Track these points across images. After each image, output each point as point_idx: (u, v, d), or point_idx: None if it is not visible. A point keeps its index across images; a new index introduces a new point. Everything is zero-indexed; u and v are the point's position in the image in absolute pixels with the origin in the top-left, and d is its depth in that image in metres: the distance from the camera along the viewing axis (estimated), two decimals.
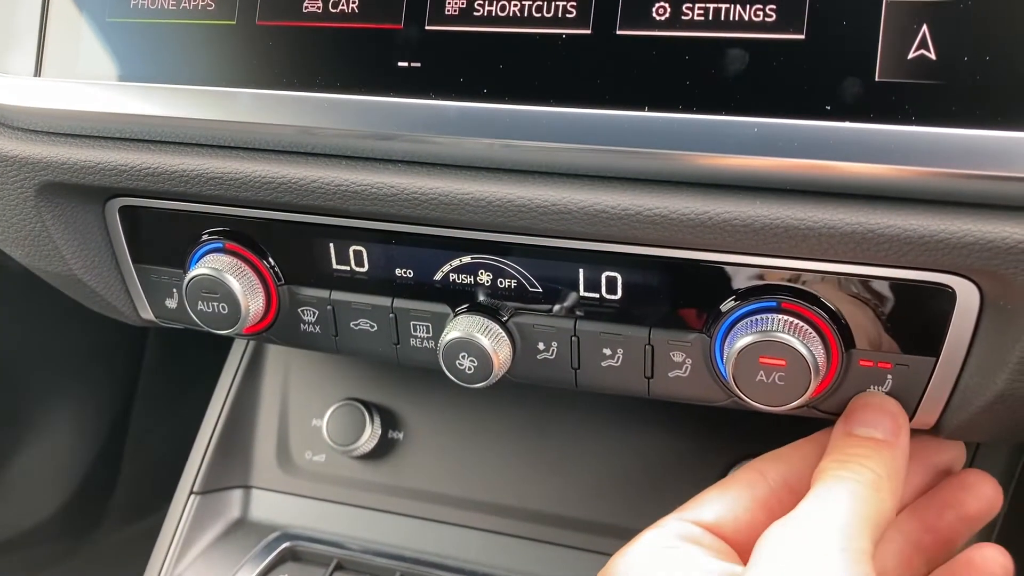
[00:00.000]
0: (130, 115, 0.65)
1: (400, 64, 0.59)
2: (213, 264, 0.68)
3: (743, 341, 0.57)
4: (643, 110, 0.55)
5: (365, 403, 0.88)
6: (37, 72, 0.68)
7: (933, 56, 0.50)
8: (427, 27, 0.59)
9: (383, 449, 0.89)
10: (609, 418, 0.84)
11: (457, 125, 0.58)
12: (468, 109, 0.58)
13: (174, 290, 0.74)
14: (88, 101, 0.66)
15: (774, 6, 0.53)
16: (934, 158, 0.50)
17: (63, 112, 0.67)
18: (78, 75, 0.67)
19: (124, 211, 0.72)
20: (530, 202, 0.57)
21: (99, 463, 1.49)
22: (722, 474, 0.81)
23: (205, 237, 0.70)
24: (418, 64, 0.59)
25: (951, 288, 0.55)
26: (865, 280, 0.57)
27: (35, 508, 1.43)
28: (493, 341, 0.64)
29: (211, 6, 0.64)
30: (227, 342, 1.00)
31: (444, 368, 0.65)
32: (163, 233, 0.72)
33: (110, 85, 0.66)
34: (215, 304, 0.68)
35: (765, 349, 0.57)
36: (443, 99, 0.58)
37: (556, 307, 0.64)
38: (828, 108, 0.52)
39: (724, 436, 0.82)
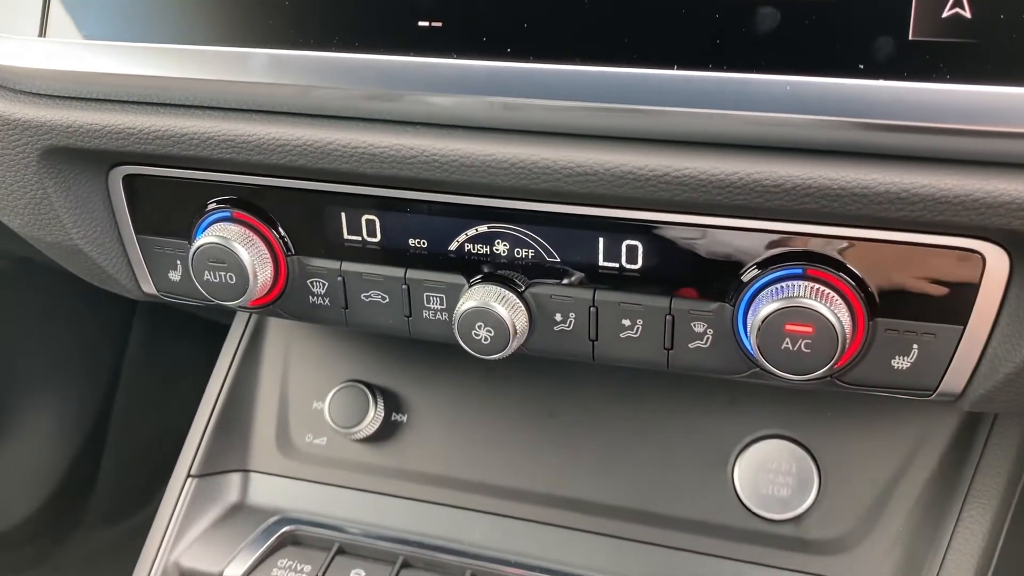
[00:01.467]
0: (138, 76, 0.63)
1: (420, 24, 0.58)
2: (221, 233, 0.66)
3: (769, 308, 0.56)
4: (672, 68, 0.54)
5: (368, 385, 0.86)
6: (42, 32, 0.66)
7: (968, 14, 0.50)
8: None
9: (386, 432, 0.87)
10: (619, 399, 0.83)
11: (480, 85, 0.57)
12: (491, 68, 0.56)
13: (178, 262, 0.72)
14: (94, 63, 0.64)
15: None
16: (968, 116, 0.49)
17: (68, 74, 0.65)
18: (84, 36, 0.65)
19: (128, 180, 0.70)
20: (555, 163, 0.56)
21: (79, 462, 1.46)
22: (734, 456, 0.80)
23: (212, 206, 0.68)
24: (439, 24, 0.58)
25: (981, 253, 0.55)
26: (893, 246, 0.56)
27: (11, 509, 1.40)
28: (510, 311, 0.62)
29: None
30: (217, 330, 0.98)
31: (459, 338, 0.64)
32: (168, 203, 0.70)
33: (117, 46, 0.64)
34: (222, 274, 0.67)
35: (791, 316, 0.56)
36: (465, 59, 0.57)
37: (574, 277, 0.63)
38: (862, 67, 0.51)
39: (735, 417, 0.81)
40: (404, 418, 0.88)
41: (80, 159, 0.68)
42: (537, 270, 0.64)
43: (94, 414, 1.49)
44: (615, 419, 0.84)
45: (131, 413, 1.52)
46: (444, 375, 0.88)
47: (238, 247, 0.66)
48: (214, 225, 0.68)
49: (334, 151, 0.60)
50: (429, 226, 0.65)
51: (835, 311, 0.56)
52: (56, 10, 0.66)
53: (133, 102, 0.65)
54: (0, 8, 0.67)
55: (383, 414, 0.86)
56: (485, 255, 0.64)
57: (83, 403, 1.48)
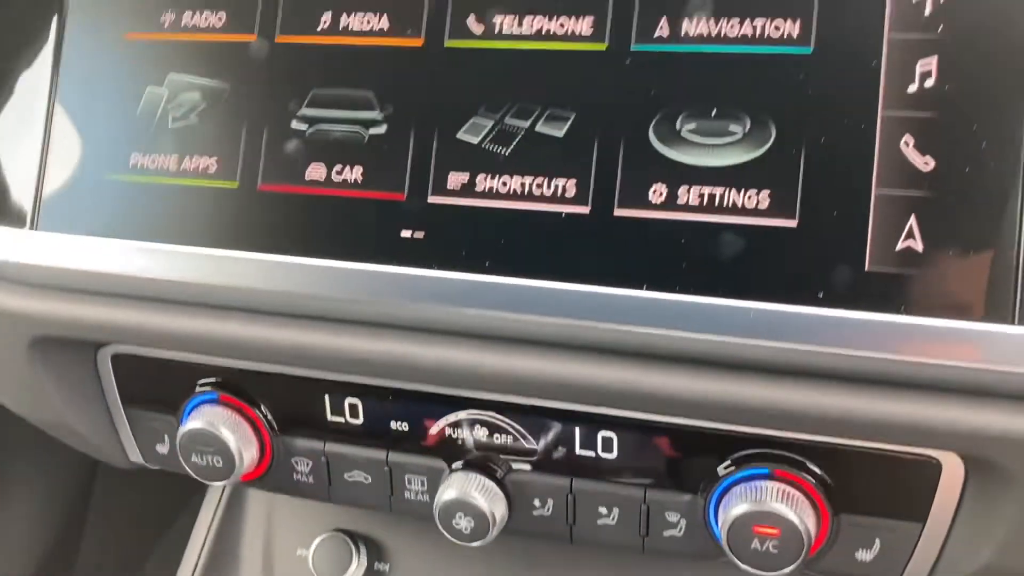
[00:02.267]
0: (125, 275, 0.65)
1: (403, 234, 0.61)
2: (208, 418, 0.68)
3: (737, 510, 0.59)
4: (641, 289, 0.57)
5: (351, 534, 0.88)
6: (33, 225, 0.68)
7: (920, 248, 0.53)
8: (430, 199, 0.61)
9: None
10: (602, 553, 0.85)
11: (458, 297, 0.59)
12: (470, 282, 0.59)
13: (165, 436, 0.73)
14: (83, 258, 0.66)
15: (768, 192, 0.55)
16: (922, 348, 0.52)
17: (58, 269, 0.67)
18: (74, 230, 0.67)
19: (116, 359, 0.72)
20: (536, 375, 0.59)
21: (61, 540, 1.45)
22: None
23: (199, 387, 0.70)
24: (421, 234, 0.61)
25: (937, 460, 0.57)
26: (856, 451, 0.58)
27: None
28: (489, 501, 0.64)
29: (213, 168, 0.65)
30: None
31: (441, 527, 0.66)
32: (156, 381, 0.72)
33: (106, 242, 0.66)
34: (209, 457, 0.68)
35: (759, 518, 0.59)
36: (446, 271, 0.60)
37: (552, 464, 0.65)
38: (821, 295, 0.54)
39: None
40: (387, 567, 0.89)
41: (70, 344, 0.70)
42: (516, 455, 0.66)
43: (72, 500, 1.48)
44: (600, 571, 0.85)
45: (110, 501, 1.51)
46: (427, 524, 0.89)
47: (225, 432, 0.68)
48: (201, 407, 0.70)
49: (314, 354, 0.63)
50: (410, 411, 0.67)
51: (801, 514, 0.58)
52: (48, 204, 0.68)
53: (122, 295, 0.67)
54: None
55: (366, 563, 0.87)
56: (466, 440, 0.66)
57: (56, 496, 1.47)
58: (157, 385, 0.72)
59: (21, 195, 0.68)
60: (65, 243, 0.67)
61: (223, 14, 0.65)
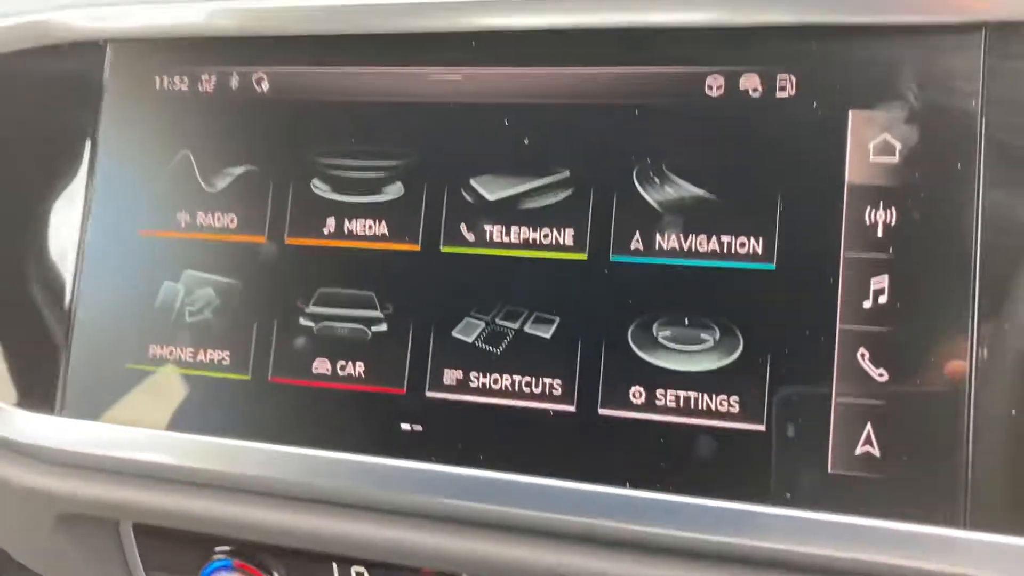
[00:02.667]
0: (143, 461, 0.70)
1: (403, 427, 0.66)
2: None
3: None
4: (624, 487, 0.61)
5: None
6: (58, 411, 0.73)
7: (877, 453, 0.58)
8: (428, 394, 0.66)
9: None
10: None
11: (454, 491, 0.64)
12: (465, 477, 0.64)
13: None
14: (104, 444, 0.71)
15: (737, 397, 0.60)
16: (880, 549, 0.57)
17: (81, 453, 0.72)
18: (96, 416, 0.72)
19: (138, 527, 0.76)
20: (530, 567, 0.63)
21: None
22: None
23: (215, 555, 0.75)
24: (420, 428, 0.65)
25: None
26: None
27: None
28: None
29: (227, 361, 0.70)
30: None
31: None
32: (175, 547, 0.76)
33: (126, 430, 0.71)
34: None
35: None
36: (443, 464, 0.64)
37: None
38: (788, 496, 0.59)
39: None
40: None
41: (94, 518, 0.74)
42: None
43: None
44: None
45: None
46: None
47: None
48: (216, 573, 0.74)
49: (319, 537, 0.67)
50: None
51: None
52: (72, 390, 0.73)
53: (142, 476, 0.72)
54: (20, 383, 0.74)
55: None
56: None
57: None
58: (177, 551, 0.76)
59: (47, 383, 0.73)
60: (87, 429, 0.72)
61: (235, 217, 0.71)
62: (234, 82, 0.72)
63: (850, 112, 0.60)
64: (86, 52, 0.74)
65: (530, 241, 0.65)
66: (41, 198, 0.75)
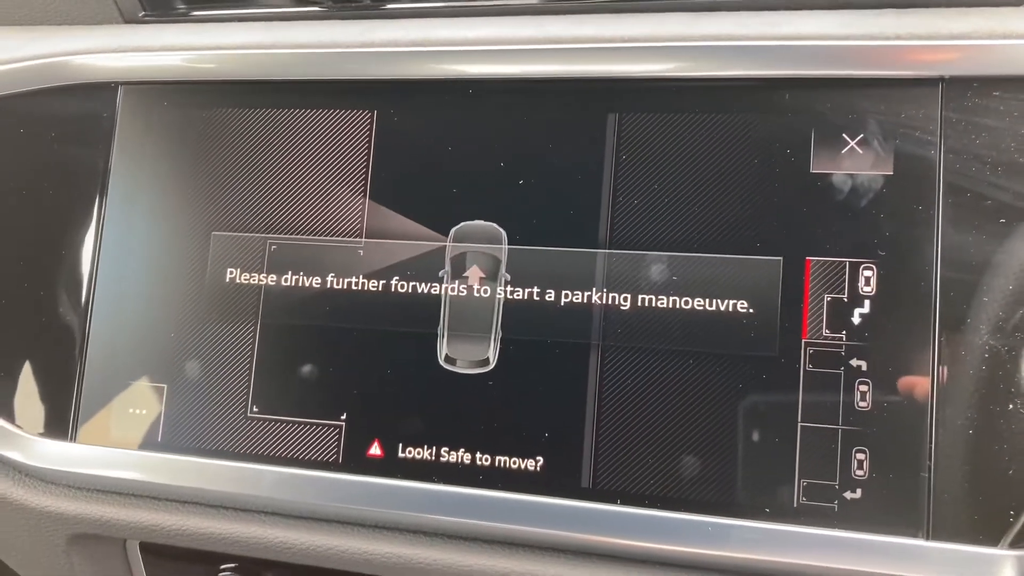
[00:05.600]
0: (149, 482, 0.74)
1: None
2: None
3: None
4: (616, 504, 0.66)
5: None
6: (72, 437, 0.76)
7: (848, 472, 0.63)
8: None
9: None
10: None
11: (458, 510, 0.68)
12: (468, 496, 0.68)
13: None
14: (118, 469, 0.74)
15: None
16: (849, 560, 0.62)
17: (95, 477, 0.75)
18: (108, 443, 0.75)
19: (144, 546, 0.80)
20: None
21: None
22: None
23: (220, 571, 0.78)
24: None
25: None
26: None
27: None
28: None
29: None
30: None
31: None
32: (181, 565, 0.80)
33: (133, 454, 0.74)
34: None
35: None
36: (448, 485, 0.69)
37: None
38: (767, 511, 0.64)
39: None
40: None
41: (103, 537, 0.78)
42: None
43: None
44: None
45: None
46: None
47: None
48: None
49: (324, 554, 0.71)
50: None
51: None
52: (84, 419, 0.76)
53: (153, 498, 0.75)
54: (34, 414, 0.77)
55: None
56: None
57: None
58: (181, 570, 0.80)
59: (61, 411, 0.76)
60: (101, 455, 0.75)
61: None
62: (238, 123, 0.76)
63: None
64: (99, 93, 0.78)
65: None
66: (55, 234, 0.78)
